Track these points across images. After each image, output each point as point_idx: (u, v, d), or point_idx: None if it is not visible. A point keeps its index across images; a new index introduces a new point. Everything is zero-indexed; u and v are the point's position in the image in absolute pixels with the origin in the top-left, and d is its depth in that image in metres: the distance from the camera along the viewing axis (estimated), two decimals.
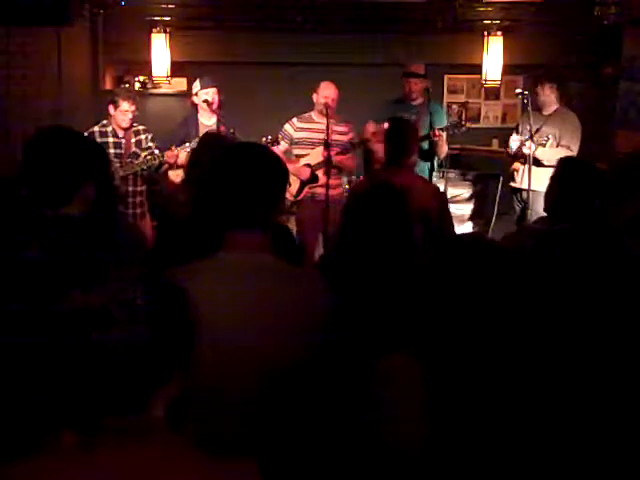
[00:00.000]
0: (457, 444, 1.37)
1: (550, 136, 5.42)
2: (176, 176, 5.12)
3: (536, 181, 5.01)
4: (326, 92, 5.37)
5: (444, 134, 5.26)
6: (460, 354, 1.43)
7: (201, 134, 5.07)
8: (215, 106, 5.25)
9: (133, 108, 5.15)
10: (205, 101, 5.23)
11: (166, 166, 5.10)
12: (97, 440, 1.16)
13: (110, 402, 1.16)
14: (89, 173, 2.29)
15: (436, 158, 5.47)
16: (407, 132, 4.07)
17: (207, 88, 5.28)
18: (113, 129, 5.13)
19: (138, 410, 1.19)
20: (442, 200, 4.09)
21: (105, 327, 1.15)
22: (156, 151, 5.11)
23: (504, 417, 1.39)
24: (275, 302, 1.84)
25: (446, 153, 5.52)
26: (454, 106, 5.93)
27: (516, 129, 5.80)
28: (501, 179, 6.13)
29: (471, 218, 6.78)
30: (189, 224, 2.78)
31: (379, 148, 5.28)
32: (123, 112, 5.10)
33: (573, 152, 5.36)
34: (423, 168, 5.19)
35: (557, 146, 5.43)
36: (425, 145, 5.32)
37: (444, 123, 5.39)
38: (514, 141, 5.64)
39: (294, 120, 5.46)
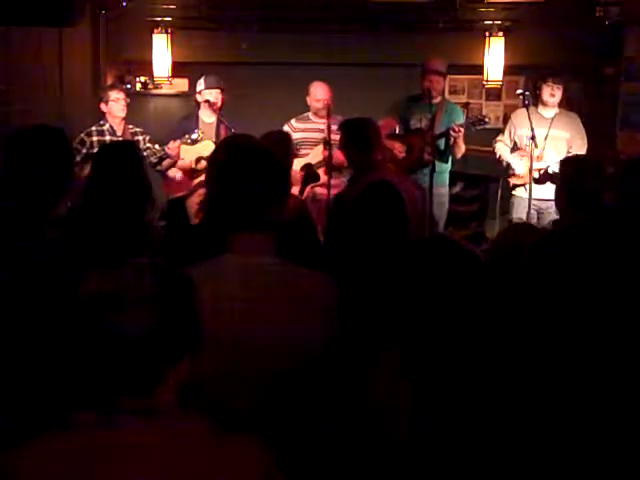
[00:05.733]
0: (445, 436, 1.39)
1: (552, 164, 5.11)
2: (175, 172, 5.14)
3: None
4: (318, 95, 5.32)
5: (462, 130, 5.15)
6: (437, 349, 1.45)
7: (201, 131, 5.10)
8: (217, 106, 5.27)
9: (123, 95, 5.19)
10: (207, 101, 5.25)
11: (169, 161, 5.10)
12: (114, 419, 1.21)
13: (124, 381, 1.21)
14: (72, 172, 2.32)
15: (451, 158, 5.44)
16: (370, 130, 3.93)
17: (211, 89, 5.29)
18: (110, 126, 5.16)
19: (150, 391, 1.23)
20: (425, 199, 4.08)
21: (118, 310, 1.19)
22: (156, 146, 5.12)
23: (487, 410, 1.40)
24: (279, 303, 1.84)
25: (463, 153, 5.41)
26: (462, 108, 5.91)
27: (510, 131, 5.51)
28: (502, 180, 6.10)
29: (472, 218, 6.78)
30: (198, 226, 2.80)
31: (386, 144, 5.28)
32: (115, 100, 5.14)
33: None
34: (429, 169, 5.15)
35: (567, 151, 5.22)
36: (441, 144, 5.30)
37: (462, 121, 5.31)
38: (519, 164, 5.29)
39: (292, 121, 5.45)
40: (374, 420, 1.50)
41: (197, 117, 5.35)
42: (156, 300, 1.22)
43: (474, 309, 1.46)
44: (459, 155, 5.41)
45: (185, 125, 5.26)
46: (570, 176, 3.21)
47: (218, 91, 5.30)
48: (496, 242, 2.54)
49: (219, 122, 5.26)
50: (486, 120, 5.30)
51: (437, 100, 5.40)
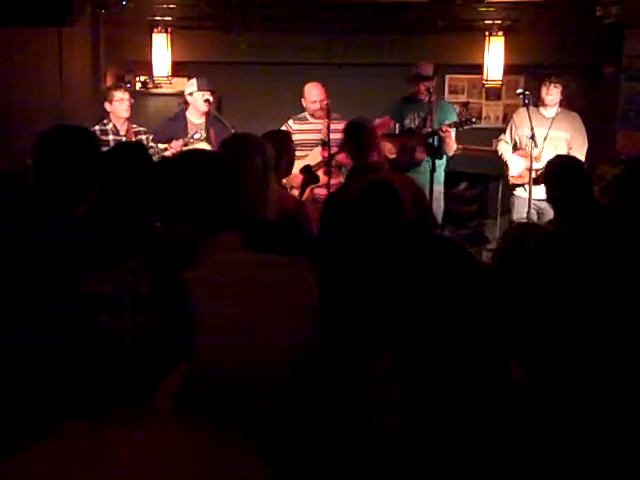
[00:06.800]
0: (434, 432, 1.39)
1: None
2: None
3: None
4: (313, 97, 5.28)
5: (453, 130, 5.25)
6: (430, 350, 1.44)
7: (190, 132, 5.13)
8: (208, 107, 5.31)
9: (128, 96, 5.22)
10: (207, 101, 5.27)
11: None
12: (109, 425, 1.17)
13: (117, 388, 1.18)
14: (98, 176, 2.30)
15: (445, 156, 5.49)
16: (365, 132, 4.02)
17: (203, 91, 5.31)
18: (114, 126, 5.19)
19: (144, 397, 1.20)
20: (420, 195, 4.10)
21: (114, 313, 1.16)
22: (159, 145, 5.14)
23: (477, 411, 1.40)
24: (263, 294, 1.83)
25: (455, 150, 5.49)
26: (455, 106, 5.95)
27: (510, 129, 5.57)
28: (502, 179, 6.11)
29: (472, 218, 6.78)
30: None
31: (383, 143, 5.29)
32: (120, 101, 5.17)
33: (582, 157, 5.20)
34: (424, 167, 5.21)
35: (567, 151, 5.23)
36: (434, 142, 5.34)
37: (453, 120, 5.38)
38: (516, 165, 5.32)
39: (290, 122, 5.41)
40: (365, 420, 1.50)
41: (185, 118, 5.36)
42: (153, 304, 1.20)
43: (468, 309, 1.45)
44: (450, 153, 5.47)
45: (173, 126, 5.28)
46: (553, 176, 3.24)
47: (209, 93, 5.33)
48: (500, 244, 2.55)
49: (208, 124, 5.28)
50: (473, 120, 5.39)
51: (429, 99, 5.43)
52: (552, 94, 5.34)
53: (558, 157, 3.84)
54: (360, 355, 1.64)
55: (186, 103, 5.43)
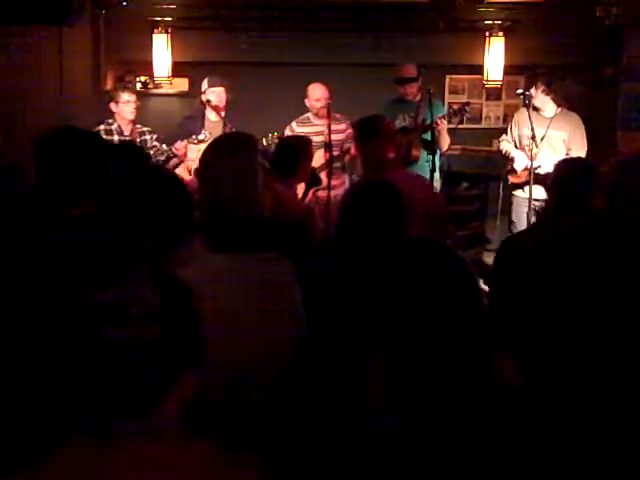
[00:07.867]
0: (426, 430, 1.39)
1: (544, 165, 5.18)
2: (184, 171, 5.15)
3: None
4: (317, 95, 5.34)
5: (445, 122, 5.27)
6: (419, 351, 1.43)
7: (207, 130, 5.12)
8: (220, 107, 5.30)
9: (134, 98, 5.22)
10: (207, 101, 5.26)
11: (175, 160, 5.11)
12: (113, 441, 1.14)
13: (122, 401, 1.14)
14: (100, 175, 2.29)
15: (438, 151, 5.51)
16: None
17: (214, 87, 5.31)
18: (118, 126, 5.18)
19: (149, 410, 1.16)
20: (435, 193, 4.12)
21: (120, 324, 1.11)
22: (164, 146, 5.15)
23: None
24: (246, 294, 1.83)
25: (448, 146, 5.54)
26: (455, 106, 5.96)
27: (510, 129, 5.58)
28: (502, 179, 6.11)
29: (472, 218, 6.78)
30: None
31: None
32: (126, 103, 5.17)
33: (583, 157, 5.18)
34: (423, 166, 5.23)
35: (566, 152, 5.22)
36: (428, 136, 5.37)
37: (444, 113, 5.41)
38: (522, 160, 5.33)
39: (293, 125, 5.45)
40: (358, 419, 1.50)
41: (203, 116, 5.36)
42: (159, 314, 1.15)
43: (456, 312, 1.45)
44: (445, 147, 5.49)
45: (189, 125, 5.27)
46: (558, 178, 3.22)
47: (222, 90, 5.32)
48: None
49: (224, 122, 5.28)
50: (466, 109, 5.45)
51: (417, 99, 5.51)
52: (536, 97, 5.32)
53: (566, 160, 3.81)
54: (351, 358, 1.63)
55: (202, 103, 5.44)
